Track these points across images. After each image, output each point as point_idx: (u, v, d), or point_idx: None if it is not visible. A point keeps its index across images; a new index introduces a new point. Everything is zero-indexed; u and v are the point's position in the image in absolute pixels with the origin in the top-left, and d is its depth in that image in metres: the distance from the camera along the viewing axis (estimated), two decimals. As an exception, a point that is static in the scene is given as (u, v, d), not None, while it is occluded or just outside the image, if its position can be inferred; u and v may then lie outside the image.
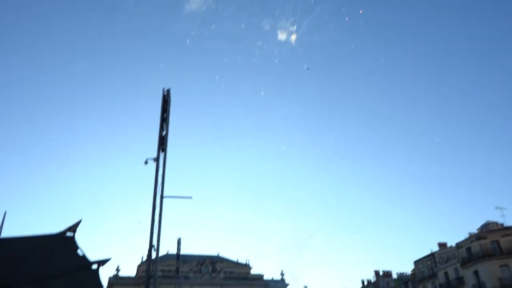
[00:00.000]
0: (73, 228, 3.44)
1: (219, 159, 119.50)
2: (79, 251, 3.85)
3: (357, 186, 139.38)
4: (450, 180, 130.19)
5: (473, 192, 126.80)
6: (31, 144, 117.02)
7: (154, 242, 18.35)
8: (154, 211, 17.99)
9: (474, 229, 51.42)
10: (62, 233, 3.42)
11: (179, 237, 46.39)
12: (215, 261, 61.34)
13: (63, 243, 3.69)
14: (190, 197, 23.81)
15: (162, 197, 18.54)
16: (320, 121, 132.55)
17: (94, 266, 4.37)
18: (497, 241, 46.10)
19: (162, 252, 57.85)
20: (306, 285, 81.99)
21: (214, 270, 59.61)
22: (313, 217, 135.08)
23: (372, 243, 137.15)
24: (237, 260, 66.73)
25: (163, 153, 20.35)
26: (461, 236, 50.69)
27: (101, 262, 4.38)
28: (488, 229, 49.01)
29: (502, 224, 49.54)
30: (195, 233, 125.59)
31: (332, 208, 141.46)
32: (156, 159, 17.62)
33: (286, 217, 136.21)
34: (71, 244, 3.69)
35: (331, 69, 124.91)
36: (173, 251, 48.48)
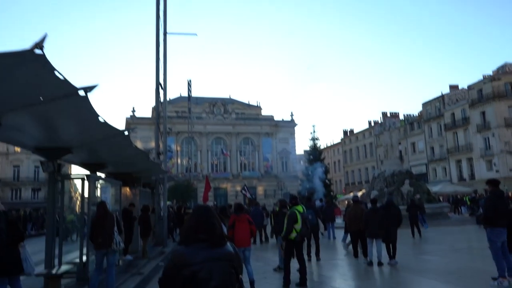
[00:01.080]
0: (40, 45, 2.94)
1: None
2: (56, 73, 3.41)
3: (365, 24, 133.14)
4: (466, 17, 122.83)
5: (491, 30, 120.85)
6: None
7: (161, 81, 18.30)
8: (158, 48, 17.45)
9: (489, 72, 50.56)
10: (30, 50, 2.96)
11: (189, 79, 46.84)
12: (226, 103, 62.91)
13: (34, 63, 3.26)
14: (195, 34, 22.82)
15: (165, 33, 17.76)
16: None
17: (81, 93, 3.93)
18: (511, 83, 45.60)
19: (175, 95, 58.25)
20: (314, 125, 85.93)
21: (225, 111, 61.58)
22: (322, 51, 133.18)
23: (381, 86, 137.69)
24: (248, 102, 68.47)
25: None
26: (475, 79, 50.15)
27: (88, 88, 3.89)
28: (504, 70, 47.99)
29: (520, 66, 48.28)
30: (206, 75, 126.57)
31: (341, 47, 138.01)
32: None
33: (295, 50, 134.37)
34: (45, 64, 3.24)
35: None
36: (186, 93, 49.61)
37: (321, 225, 14.06)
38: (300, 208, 8.05)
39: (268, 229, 16.50)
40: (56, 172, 7.90)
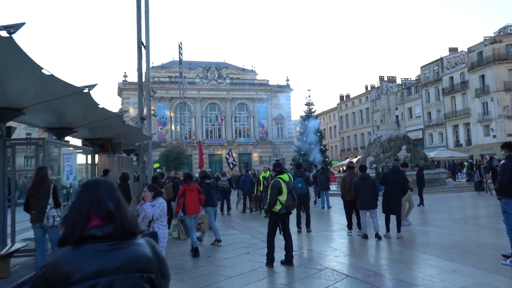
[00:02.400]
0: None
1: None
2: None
3: None
4: None
5: None
6: None
7: (143, 40, 16.93)
8: (139, 2, 15.94)
9: (491, 34, 48.82)
10: None
11: (180, 41, 44.98)
12: (221, 67, 61.24)
13: None
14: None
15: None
16: None
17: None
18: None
19: (168, 59, 56.69)
20: (310, 89, 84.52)
21: (220, 76, 60.00)
22: (319, 15, 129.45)
23: (379, 50, 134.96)
24: (243, 67, 66.75)
25: None
26: (476, 42, 48.49)
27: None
28: (506, 32, 46.31)
29: (522, 28, 46.56)
30: (201, 39, 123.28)
31: (338, 11, 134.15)
32: None
33: (291, 14, 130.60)
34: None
35: None
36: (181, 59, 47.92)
37: (312, 195, 13.11)
38: (285, 176, 7.04)
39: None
40: (5, 137, 6.84)
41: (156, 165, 30.20)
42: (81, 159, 10.00)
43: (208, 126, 59.02)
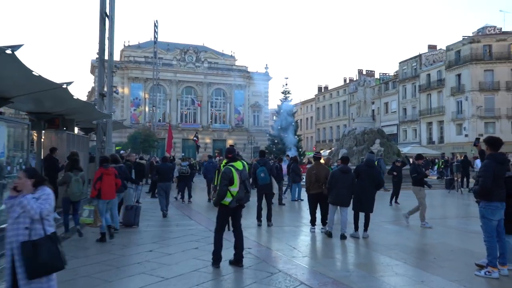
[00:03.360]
0: None
1: None
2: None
3: None
4: None
5: None
6: None
7: (107, 10, 15.56)
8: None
9: (470, 34, 48.88)
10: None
11: (156, 19, 43.13)
12: (199, 50, 59.58)
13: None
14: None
15: None
16: None
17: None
18: (490, 46, 44.23)
19: (145, 39, 54.43)
20: (287, 77, 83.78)
21: (198, 59, 58.39)
22: (300, 5, 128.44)
23: (359, 44, 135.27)
24: (222, 51, 65.24)
25: None
26: (456, 39, 48.52)
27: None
28: (485, 33, 46.46)
29: (500, 29, 46.79)
30: (180, 21, 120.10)
31: (319, 2, 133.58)
32: None
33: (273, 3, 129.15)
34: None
35: None
36: (158, 39, 45.93)
37: (275, 185, 12.21)
38: (238, 164, 6.09)
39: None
40: None
41: (117, 147, 28.81)
42: (16, 134, 8.77)
43: (183, 110, 57.65)
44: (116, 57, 59.37)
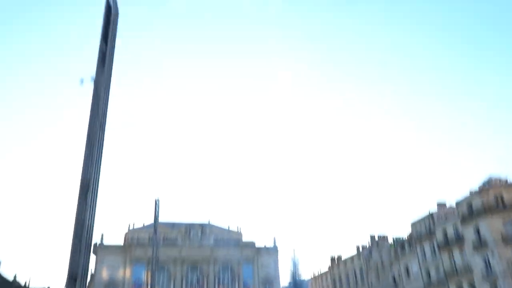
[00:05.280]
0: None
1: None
2: None
3: (350, 143, 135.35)
4: (449, 135, 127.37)
5: (475, 146, 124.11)
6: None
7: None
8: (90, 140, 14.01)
9: (476, 186, 48.55)
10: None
11: (157, 198, 43.41)
12: (205, 227, 58.68)
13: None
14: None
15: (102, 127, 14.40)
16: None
17: None
18: (500, 195, 43.25)
19: (150, 220, 53.13)
20: (294, 248, 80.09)
21: (203, 234, 56.95)
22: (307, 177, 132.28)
23: (368, 208, 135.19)
24: (228, 227, 64.22)
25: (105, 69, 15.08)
26: (462, 193, 47.96)
27: None
28: (490, 184, 46.10)
29: (505, 180, 46.58)
30: (184, 200, 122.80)
31: (326, 168, 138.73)
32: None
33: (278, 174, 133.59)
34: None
35: None
36: (162, 219, 45.37)
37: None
38: None
39: None
40: None
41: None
42: None
43: (189, 291, 53.25)
44: (119, 240, 58.06)
